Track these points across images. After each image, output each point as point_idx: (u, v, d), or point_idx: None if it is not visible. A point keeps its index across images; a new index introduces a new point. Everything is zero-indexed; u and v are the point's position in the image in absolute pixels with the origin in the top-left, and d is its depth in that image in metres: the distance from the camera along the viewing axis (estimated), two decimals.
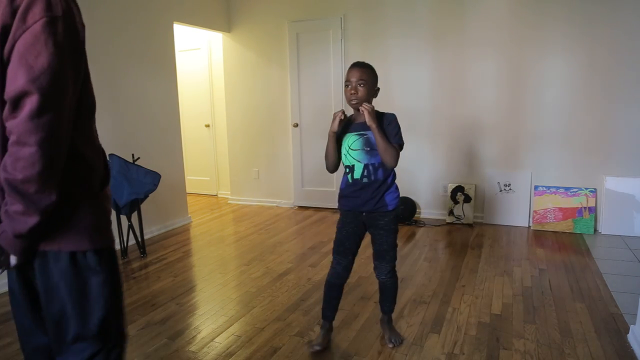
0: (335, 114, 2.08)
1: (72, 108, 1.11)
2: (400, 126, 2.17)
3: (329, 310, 2.29)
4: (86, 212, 1.20)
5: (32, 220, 1.08)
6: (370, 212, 2.17)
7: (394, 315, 2.55)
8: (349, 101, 2.09)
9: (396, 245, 2.26)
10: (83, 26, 1.18)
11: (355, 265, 3.40)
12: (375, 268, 2.31)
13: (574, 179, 4.19)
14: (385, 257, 2.26)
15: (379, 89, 2.15)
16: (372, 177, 2.11)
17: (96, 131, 1.26)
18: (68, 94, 1.07)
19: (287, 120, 5.27)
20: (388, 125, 2.10)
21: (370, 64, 2.11)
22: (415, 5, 4.50)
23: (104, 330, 1.23)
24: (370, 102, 2.09)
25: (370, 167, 2.11)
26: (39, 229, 1.11)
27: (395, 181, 2.22)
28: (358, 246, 2.28)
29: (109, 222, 1.28)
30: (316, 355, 2.23)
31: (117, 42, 3.87)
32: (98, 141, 1.27)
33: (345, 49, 4.85)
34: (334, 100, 4.94)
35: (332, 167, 2.20)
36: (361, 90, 2.04)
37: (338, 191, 2.27)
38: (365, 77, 2.04)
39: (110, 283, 1.24)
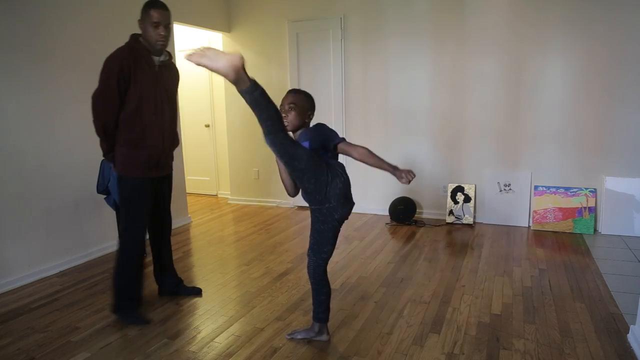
0: None
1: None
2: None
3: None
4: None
5: None
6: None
7: (392, 316, 2.54)
8: None
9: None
10: (119, 66, 2.44)
11: (355, 265, 3.42)
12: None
13: (574, 179, 4.19)
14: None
15: (312, 114, 2.20)
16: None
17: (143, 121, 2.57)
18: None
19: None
20: (322, 136, 2.13)
21: (308, 91, 2.21)
22: (415, 5, 4.49)
23: None
24: (301, 125, 2.16)
25: None
26: None
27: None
28: None
29: None
30: (316, 355, 2.23)
31: (117, 43, 3.85)
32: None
33: (345, 48, 4.85)
34: (334, 100, 4.94)
35: (292, 191, 2.26)
36: (292, 114, 2.13)
37: None
38: (295, 101, 2.13)
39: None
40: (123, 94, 2.46)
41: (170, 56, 2.71)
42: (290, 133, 2.20)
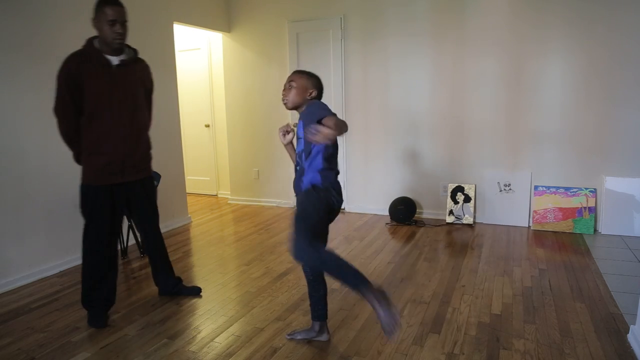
0: (279, 128, 2.29)
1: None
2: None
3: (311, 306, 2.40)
4: None
5: None
6: (296, 195, 2.26)
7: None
8: (282, 100, 2.22)
9: (302, 228, 2.04)
10: (66, 74, 2.36)
11: (355, 265, 3.40)
12: None
13: (574, 179, 4.19)
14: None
15: (314, 94, 2.20)
16: (301, 164, 2.20)
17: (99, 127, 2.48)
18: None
19: (287, 120, 5.26)
20: (311, 113, 2.07)
21: (316, 73, 2.25)
22: (415, 5, 4.49)
23: None
24: (301, 104, 2.18)
25: (302, 154, 2.18)
26: None
27: (321, 167, 2.13)
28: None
29: None
30: (316, 355, 2.23)
31: None
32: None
33: (345, 48, 4.85)
34: (334, 99, 4.94)
35: None
36: (291, 92, 2.17)
37: None
38: (295, 79, 2.18)
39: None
40: (78, 101, 2.40)
41: (136, 53, 2.60)
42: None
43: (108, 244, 2.59)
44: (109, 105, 2.43)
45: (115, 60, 2.45)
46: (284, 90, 2.21)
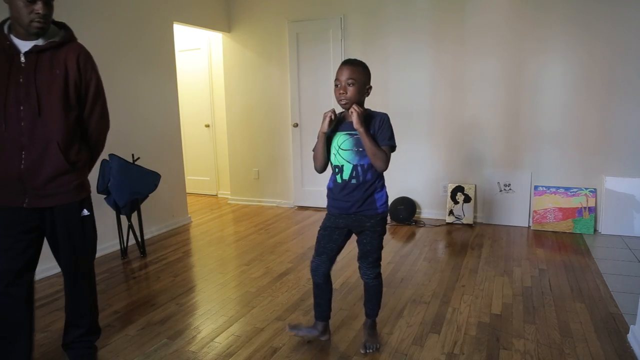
0: (325, 113, 2.00)
1: None
2: (393, 126, 2.06)
3: (316, 307, 2.32)
4: None
5: None
6: (358, 214, 2.09)
7: (392, 316, 2.54)
8: (338, 101, 2.01)
9: (381, 247, 2.18)
10: None
11: (355, 265, 3.41)
12: (359, 268, 2.25)
13: (574, 179, 4.19)
14: (368, 258, 2.17)
15: (371, 87, 2.04)
16: (361, 179, 2.03)
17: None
18: None
19: (287, 120, 5.27)
20: (380, 127, 2.01)
21: (364, 61, 2.03)
22: (415, 4, 4.50)
23: None
24: (361, 102, 2.01)
25: (359, 168, 2.03)
26: None
27: (385, 183, 2.17)
28: (338, 248, 2.19)
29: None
30: (316, 355, 2.22)
31: (117, 42, 3.87)
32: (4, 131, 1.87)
33: (345, 48, 4.85)
34: (333, 100, 4.91)
35: (321, 168, 2.16)
36: (351, 90, 1.95)
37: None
38: (355, 76, 1.94)
39: None
40: None
41: (69, 35, 1.94)
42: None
43: (14, 283, 1.97)
44: (4, 106, 1.83)
45: (26, 46, 1.84)
46: (339, 89, 1.96)
